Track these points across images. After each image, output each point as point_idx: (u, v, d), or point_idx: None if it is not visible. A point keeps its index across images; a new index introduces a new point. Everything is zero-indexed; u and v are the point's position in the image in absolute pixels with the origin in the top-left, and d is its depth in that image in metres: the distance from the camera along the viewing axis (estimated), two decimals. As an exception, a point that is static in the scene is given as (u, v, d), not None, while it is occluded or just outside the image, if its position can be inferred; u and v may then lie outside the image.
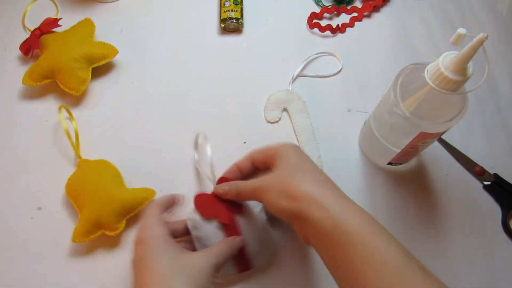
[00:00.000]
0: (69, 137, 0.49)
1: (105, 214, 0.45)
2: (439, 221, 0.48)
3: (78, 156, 0.50)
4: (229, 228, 0.42)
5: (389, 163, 0.49)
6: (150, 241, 0.36)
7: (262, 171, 0.43)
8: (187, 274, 0.34)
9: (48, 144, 0.52)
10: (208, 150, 0.48)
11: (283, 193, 0.35)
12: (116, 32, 0.60)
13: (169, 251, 0.35)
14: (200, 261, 0.35)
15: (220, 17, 0.60)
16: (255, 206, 0.44)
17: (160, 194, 0.48)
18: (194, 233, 0.42)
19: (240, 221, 0.43)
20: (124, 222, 0.46)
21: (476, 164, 0.51)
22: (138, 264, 0.35)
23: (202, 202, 0.43)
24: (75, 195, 0.47)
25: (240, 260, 0.42)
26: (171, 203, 0.43)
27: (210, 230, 0.42)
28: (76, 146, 0.50)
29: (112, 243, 0.46)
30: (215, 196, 0.44)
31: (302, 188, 0.34)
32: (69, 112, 0.51)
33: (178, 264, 0.34)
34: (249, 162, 0.44)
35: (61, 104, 0.51)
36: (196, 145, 0.50)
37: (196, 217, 0.43)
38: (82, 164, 0.49)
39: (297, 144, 0.53)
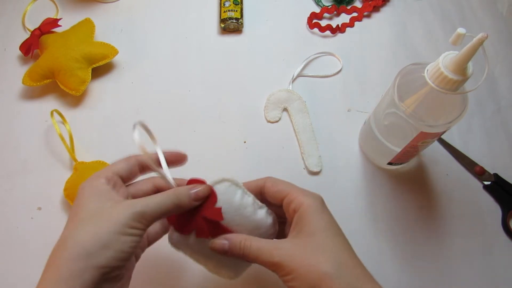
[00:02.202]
0: (64, 141, 0.49)
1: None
2: (439, 221, 0.48)
3: (74, 159, 0.50)
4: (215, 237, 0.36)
5: (389, 163, 0.49)
6: (84, 188, 0.33)
7: (272, 204, 0.37)
8: (95, 222, 0.30)
9: (48, 144, 0.52)
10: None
11: (313, 281, 0.30)
12: (116, 32, 0.60)
13: (96, 199, 0.31)
14: (116, 210, 0.30)
15: (220, 17, 0.60)
16: (232, 192, 0.36)
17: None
18: (183, 252, 0.36)
19: (228, 220, 0.36)
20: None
21: (476, 164, 0.51)
22: (71, 209, 0.33)
23: (176, 216, 0.36)
24: (74, 197, 0.47)
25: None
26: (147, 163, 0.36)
27: (199, 243, 0.36)
28: (71, 150, 0.50)
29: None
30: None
31: None
32: (61, 115, 0.51)
33: (95, 212, 0.31)
34: (259, 188, 0.37)
35: (55, 108, 0.51)
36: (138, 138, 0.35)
37: (175, 236, 0.36)
38: (78, 167, 0.49)
39: (297, 142, 0.53)
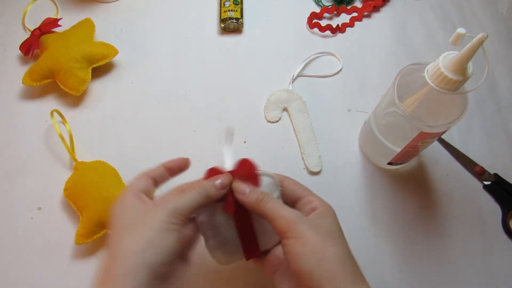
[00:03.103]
0: (64, 141, 0.49)
1: (107, 214, 0.45)
2: (439, 221, 0.48)
3: (74, 159, 0.50)
4: (236, 218, 0.37)
5: (389, 163, 0.49)
6: (115, 208, 0.35)
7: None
8: (136, 227, 0.32)
9: (48, 144, 0.52)
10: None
11: (318, 254, 0.31)
12: (116, 32, 0.61)
13: (129, 211, 0.34)
14: (152, 212, 0.33)
15: (220, 17, 0.60)
16: (271, 190, 0.38)
17: (160, 193, 0.48)
18: (199, 218, 0.37)
19: None
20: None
21: (476, 164, 0.51)
22: (109, 229, 0.35)
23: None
24: (74, 197, 0.47)
25: (248, 246, 0.38)
26: (168, 172, 0.40)
27: (219, 216, 0.37)
28: (71, 150, 0.50)
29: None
30: (231, 174, 0.38)
31: (335, 263, 0.31)
32: (61, 115, 0.52)
33: (133, 220, 0.33)
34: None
35: (55, 108, 0.51)
36: (228, 139, 0.42)
37: None
38: (78, 167, 0.49)
39: (297, 142, 0.53)
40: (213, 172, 0.38)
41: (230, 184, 0.37)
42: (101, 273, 0.31)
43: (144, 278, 0.29)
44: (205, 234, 0.38)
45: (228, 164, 0.39)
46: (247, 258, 0.39)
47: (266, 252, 0.39)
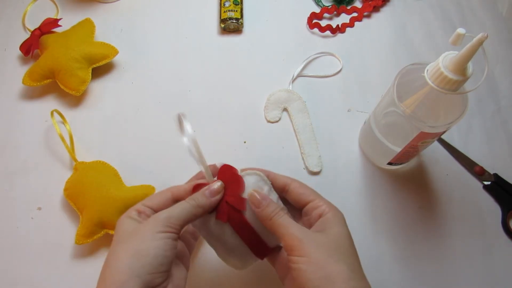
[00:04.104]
0: (64, 141, 0.49)
1: (107, 213, 0.45)
2: (439, 221, 0.48)
3: (74, 159, 0.50)
4: (233, 224, 0.37)
5: (389, 163, 0.49)
6: (118, 222, 0.36)
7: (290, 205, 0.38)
8: (130, 239, 0.33)
9: (48, 144, 0.52)
10: (189, 128, 0.37)
11: (322, 273, 0.31)
12: (116, 32, 0.61)
13: (127, 225, 0.35)
14: (145, 224, 0.33)
15: (220, 17, 0.60)
16: (260, 187, 0.37)
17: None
18: (201, 233, 0.38)
19: (249, 213, 0.37)
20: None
21: (476, 164, 0.51)
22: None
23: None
24: (74, 197, 0.47)
25: (255, 247, 0.38)
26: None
27: (216, 226, 0.37)
28: (71, 150, 0.50)
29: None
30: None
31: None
32: (61, 116, 0.52)
33: (129, 233, 0.33)
34: (283, 185, 0.38)
35: (55, 108, 0.51)
36: (181, 128, 0.38)
37: None
38: (79, 167, 0.49)
39: (297, 142, 0.53)
40: (198, 187, 0.37)
41: (222, 190, 0.36)
42: (98, 284, 0.32)
43: (138, 285, 0.30)
44: (212, 246, 0.38)
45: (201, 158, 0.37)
46: (261, 258, 0.39)
47: (279, 247, 0.39)
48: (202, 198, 0.35)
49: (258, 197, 0.36)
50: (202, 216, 0.36)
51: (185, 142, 0.36)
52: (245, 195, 0.36)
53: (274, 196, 0.37)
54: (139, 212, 0.36)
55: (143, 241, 0.32)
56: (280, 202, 0.38)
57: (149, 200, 0.37)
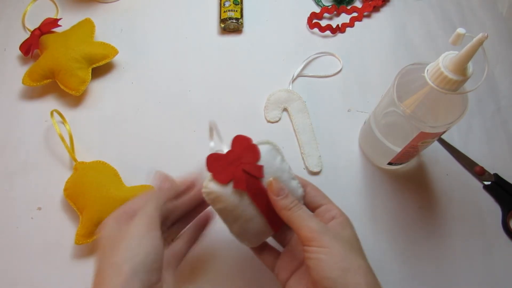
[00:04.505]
0: (63, 141, 0.49)
1: (107, 214, 0.44)
2: (439, 221, 0.48)
3: (73, 159, 0.50)
4: (250, 193, 0.36)
5: (389, 163, 0.49)
6: (103, 222, 0.36)
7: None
8: (117, 242, 0.33)
9: (48, 144, 0.52)
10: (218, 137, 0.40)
11: (342, 265, 0.32)
12: (116, 32, 0.61)
13: (111, 228, 0.35)
14: (130, 224, 0.34)
15: (220, 17, 0.60)
16: (273, 157, 0.38)
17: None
18: (215, 207, 0.36)
19: (266, 181, 0.37)
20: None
21: (476, 164, 0.51)
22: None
23: (216, 164, 0.36)
24: (74, 197, 0.47)
25: (272, 216, 0.37)
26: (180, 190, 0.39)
27: (233, 197, 0.36)
28: (71, 150, 0.50)
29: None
30: (230, 154, 0.37)
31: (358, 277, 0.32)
32: (61, 116, 0.52)
33: (113, 236, 0.34)
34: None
35: (55, 108, 0.51)
36: (211, 135, 0.41)
37: (211, 185, 0.36)
38: (78, 167, 0.49)
39: (297, 142, 0.53)
40: (213, 157, 0.37)
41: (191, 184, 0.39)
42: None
43: (137, 285, 0.30)
44: (226, 221, 0.37)
45: (224, 147, 0.38)
46: (275, 230, 0.38)
47: (278, 253, 0.40)
48: (167, 184, 0.38)
49: (278, 185, 0.36)
50: (171, 198, 0.37)
51: (211, 146, 0.39)
52: (260, 163, 0.37)
53: (286, 165, 0.38)
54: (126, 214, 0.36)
55: (131, 239, 0.32)
56: (292, 172, 0.38)
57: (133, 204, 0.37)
